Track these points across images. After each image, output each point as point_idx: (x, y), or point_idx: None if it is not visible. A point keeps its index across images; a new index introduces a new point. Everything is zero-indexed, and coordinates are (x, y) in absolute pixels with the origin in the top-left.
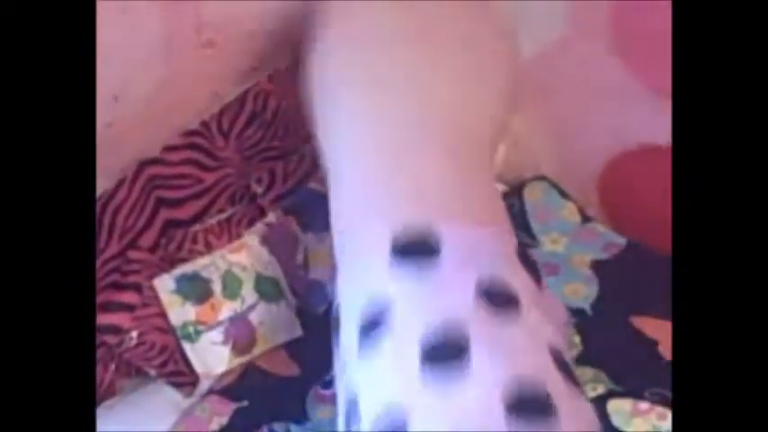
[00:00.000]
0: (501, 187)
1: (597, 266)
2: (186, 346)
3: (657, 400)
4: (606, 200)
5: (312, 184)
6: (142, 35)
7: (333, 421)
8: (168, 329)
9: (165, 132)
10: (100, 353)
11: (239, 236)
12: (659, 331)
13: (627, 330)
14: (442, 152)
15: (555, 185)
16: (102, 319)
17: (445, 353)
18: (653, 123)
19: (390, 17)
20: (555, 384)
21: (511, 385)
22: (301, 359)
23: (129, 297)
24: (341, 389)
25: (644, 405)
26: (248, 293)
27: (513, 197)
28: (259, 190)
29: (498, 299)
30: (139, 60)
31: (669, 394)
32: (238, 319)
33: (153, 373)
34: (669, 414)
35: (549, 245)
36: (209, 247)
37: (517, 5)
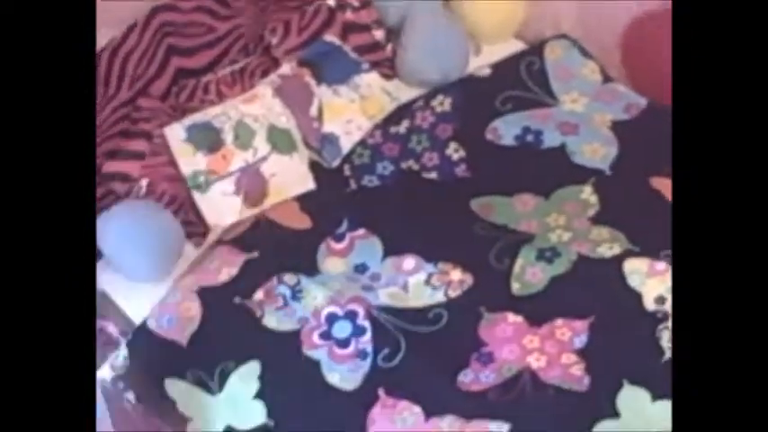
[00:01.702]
0: (520, 45)
1: (617, 127)
2: (197, 196)
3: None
4: (628, 60)
5: (328, 37)
6: None
7: (344, 274)
8: (178, 178)
9: None
10: (108, 202)
11: (252, 86)
12: None
13: (645, 191)
14: None
15: (576, 44)
16: (111, 166)
17: None
18: None
19: None
20: None
21: None
22: (313, 212)
23: (138, 145)
24: None
25: (660, 265)
26: (261, 144)
27: (534, 55)
28: (273, 40)
29: None
30: None
31: None
32: (250, 170)
33: None
34: None
35: (569, 104)
36: (221, 97)
37: None
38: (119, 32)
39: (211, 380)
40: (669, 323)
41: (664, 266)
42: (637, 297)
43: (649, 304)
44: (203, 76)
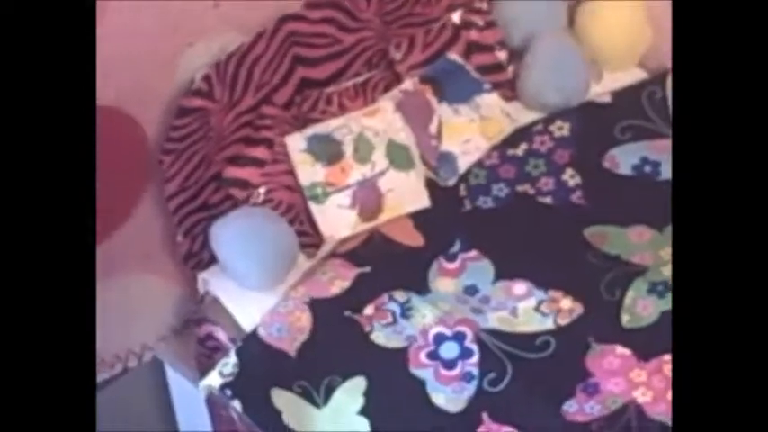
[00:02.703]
0: (642, 74)
1: None
2: (313, 207)
3: None
4: None
5: (451, 55)
6: None
7: (454, 294)
8: (296, 188)
9: None
10: (226, 207)
11: (374, 100)
12: None
13: None
14: None
15: None
16: (231, 172)
17: None
18: None
19: None
20: None
21: None
22: (427, 230)
23: (259, 152)
24: None
25: None
26: (379, 159)
27: (655, 85)
28: (397, 56)
29: None
30: None
31: None
32: (367, 184)
33: None
34: None
35: None
36: (342, 110)
37: None
38: (248, 39)
39: (317, 392)
40: None
41: None
42: None
43: None
44: (326, 88)
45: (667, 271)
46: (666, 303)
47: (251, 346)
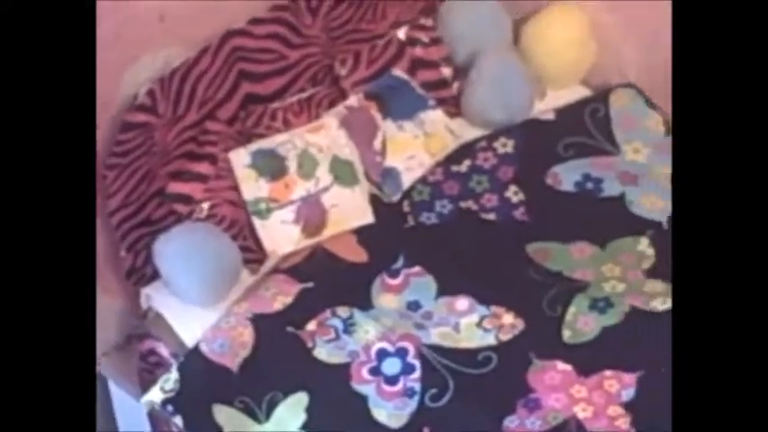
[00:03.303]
0: (585, 91)
1: None
2: (256, 223)
3: None
4: None
5: (396, 71)
6: None
7: (397, 310)
8: (240, 204)
9: (253, 4)
10: (169, 222)
11: (318, 116)
12: None
13: None
14: None
15: (642, 94)
16: (174, 187)
17: None
18: None
19: None
20: None
21: None
22: (370, 246)
23: (203, 167)
24: None
25: None
26: (323, 175)
27: (598, 102)
28: (342, 72)
29: None
30: None
31: None
32: (311, 200)
33: None
34: None
35: (631, 154)
36: (287, 125)
37: None
38: (192, 54)
39: (259, 408)
40: None
41: None
42: None
43: None
44: (271, 103)
45: (608, 287)
46: (607, 319)
47: (193, 361)
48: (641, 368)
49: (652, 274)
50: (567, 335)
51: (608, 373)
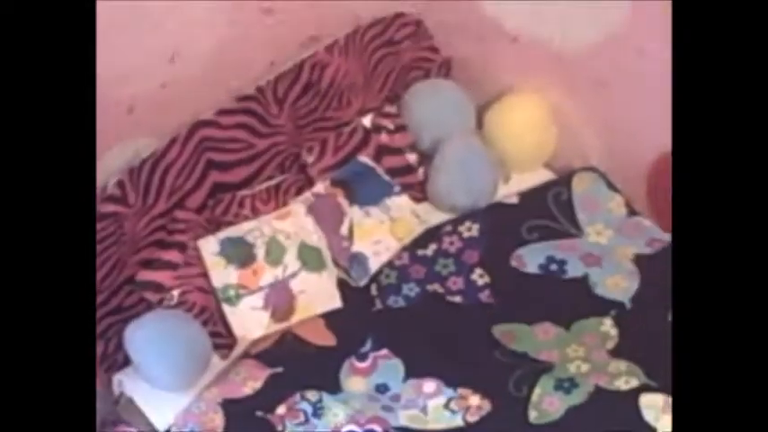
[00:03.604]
0: (549, 174)
1: (640, 261)
2: (226, 309)
3: None
4: (654, 195)
5: (362, 158)
6: None
7: (365, 393)
8: (209, 291)
9: (220, 96)
10: (139, 309)
11: (286, 204)
12: None
13: (665, 326)
14: None
15: (603, 177)
16: (145, 275)
17: None
18: None
19: None
20: None
21: None
22: (338, 330)
23: (172, 255)
24: None
25: None
26: (291, 261)
27: (561, 186)
28: (309, 159)
29: None
30: (198, 21)
31: None
32: (279, 286)
33: None
34: None
35: (594, 236)
36: (255, 213)
37: None
38: (161, 144)
39: None
40: None
41: None
42: (651, 431)
43: None
44: (239, 191)
45: (573, 367)
46: (572, 399)
47: None
48: None
49: (616, 353)
50: (533, 415)
51: None
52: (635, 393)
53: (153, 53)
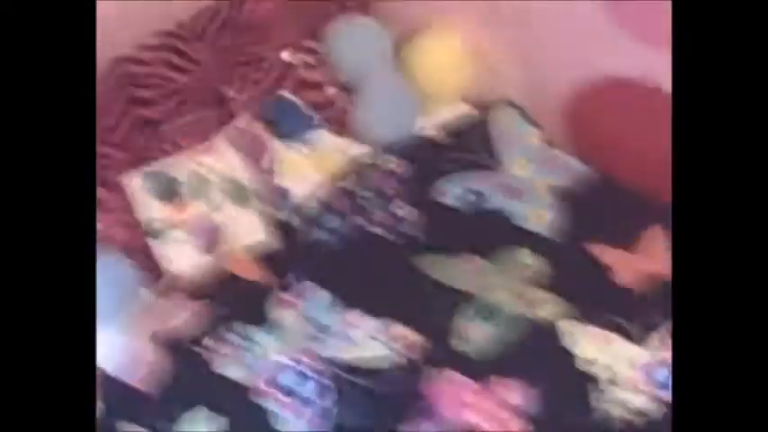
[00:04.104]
0: (467, 108)
1: (558, 192)
2: (152, 243)
3: (607, 325)
4: (572, 128)
5: (283, 92)
6: None
7: (291, 326)
8: (135, 225)
9: (139, 31)
10: None
11: (208, 138)
12: (614, 258)
13: (582, 256)
14: None
15: (521, 110)
16: None
17: None
18: (623, 59)
19: None
20: None
21: None
22: (264, 262)
23: (98, 192)
24: None
25: (593, 329)
26: (215, 195)
27: (480, 119)
28: (230, 93)
29: None
30: None
31: (619, 320)
32: (204, 220)
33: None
34: (617, 338)
35: (515, 169)
36: (177, 148)
37: None
38: None
39: (166, 424)
40: (599, 384)
41: (596, 330)
42: (569, 356)
43: (581, 364)
44: (161, 127)
45: (494, 297)
46: (491, 327)
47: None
48: (526, 371)
49: (536, 283)
50: (455, 344)
51: (495, 379)
52: (554, 322)
53: None
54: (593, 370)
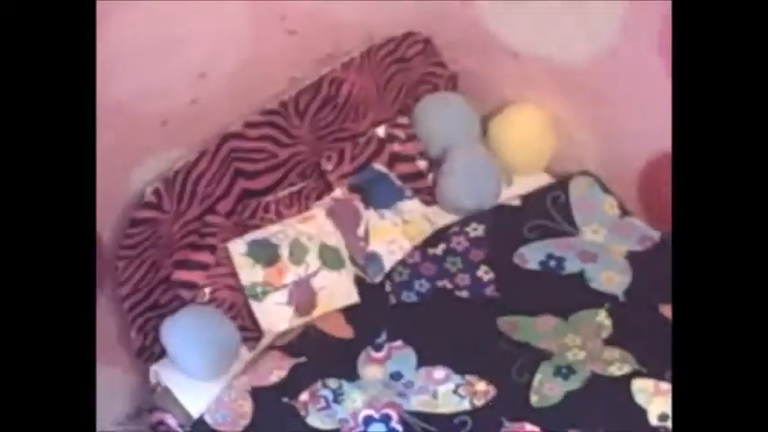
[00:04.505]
0: (548, 178)
1: (632, 257)
2: (253, 305)
3: None
4: (644, 196)
5: (377, 165)
6: (229, 18)
7: (381, 380)
8: (238, 288)
9: (246, 110)
10: (174, 306)
11: (308, 208)
12: None
13: (655, 317)
14: None
15: (598, 180)
16: (179, 275)
17: None
18: None
19: None
20: None
21: None
22: (356, 323)
23: (204, 257)
24: None
25: (665, 385)
26: (312, 260)
27: (559, 189)
28: (329, 167)
29: None
30: (226, 41)
31: None
32: (302, 283)
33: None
34: None
35: (590, 234)
36: (279, 217)
37: (576, 13)
38: (192, 155)
39: None
40: None
41: (667, 387)
42: (642, 413)
43: (654, 420)
44: (264, 197)
45: (571, 355)
46: (569, 384)
47: (199, 431)
48: (602, 426)
49: (609, 342)
50: (534, 399)
51: (571, 431)
52: (627, 379)
53: (183, 72)
54: (665, 425)
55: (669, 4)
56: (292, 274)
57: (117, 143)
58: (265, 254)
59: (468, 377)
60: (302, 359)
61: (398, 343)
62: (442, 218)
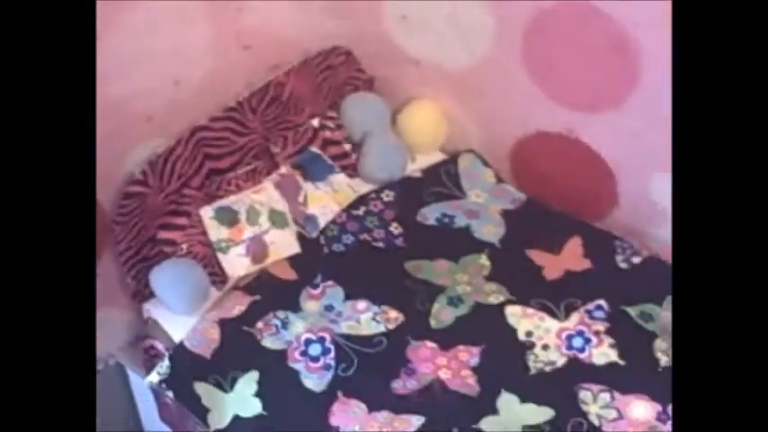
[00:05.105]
0: (442, 155)
1: (505, 214)
2: (220, 256)
3: (539, 308)
4: (514, 167)
5: (313, 148)
6: (195, 37)
7: (317, 311)
8: (208, 244)
9: (212, 108)
10: (159, 259)
11: (260, 182)
12: (544, 260)
13: (522, 259)
14: None
15: (479, 156)
16: (162, 235)
17: None
18: (547, 117)
19: None
20: None
21: None
22: (298, 268)
23: (182, 221)
24: None
25: (530, 310)
26: (264, 222)
27: (451, 163)
28: (276, 150)
29: None
30: (194, 55)
31: (548, 304)
32: (256, 239)
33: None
34: (546, 317)
35: (474, 198)
36: (238, 189)
37: (453, 25)
38: (171, 144)
39: (225, 383)
40: (536, 350)
41: (532, 311)
42: (513, 332)
43: (522, 336)
44: (227, 174)
45: (460, 289)
46: (458, 311)
47: (179, 352)
48: (483, 343)
49: (489, 278)
50: (432, 323)
51: (461, 347)
52: (502, 306)
53: (163, 79)
54: (530, 340)
55: (530, 22)
56: (249, 232)
57: (113, 133)
58: (228, 217)
59: (383, 307)
60: (257, 297)
61: (330, 283)
62: (363, 187)
